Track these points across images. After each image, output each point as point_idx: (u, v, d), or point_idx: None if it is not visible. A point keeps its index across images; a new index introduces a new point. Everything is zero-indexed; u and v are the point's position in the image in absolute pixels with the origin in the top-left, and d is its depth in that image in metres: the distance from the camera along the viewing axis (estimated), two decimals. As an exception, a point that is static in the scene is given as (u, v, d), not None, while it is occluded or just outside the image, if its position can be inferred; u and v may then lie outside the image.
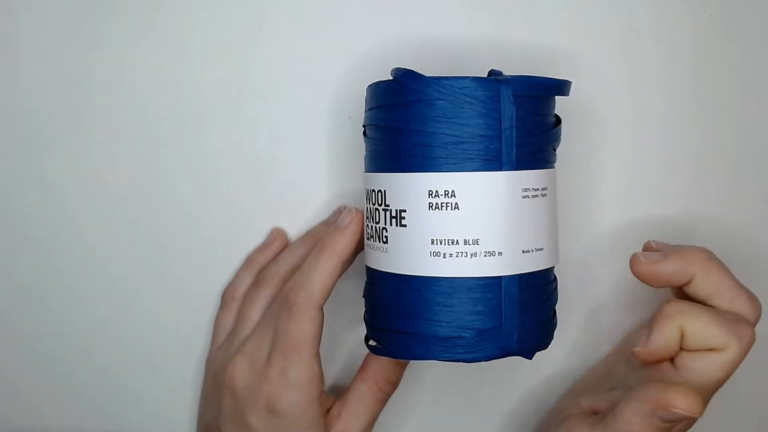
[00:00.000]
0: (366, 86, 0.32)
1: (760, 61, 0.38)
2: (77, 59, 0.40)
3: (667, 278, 0.31)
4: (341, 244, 0.34)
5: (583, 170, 0.38)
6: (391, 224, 0.31)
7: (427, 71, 0.30)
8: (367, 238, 0.33)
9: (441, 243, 0.30)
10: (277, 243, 0.39)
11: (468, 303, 0.29)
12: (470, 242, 0.29)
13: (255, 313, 0.37)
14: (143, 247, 0.41)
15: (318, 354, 0.34)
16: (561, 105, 0.33)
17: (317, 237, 0.38)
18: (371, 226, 0.32)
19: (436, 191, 0.29)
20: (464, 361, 0.30)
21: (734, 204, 0.39)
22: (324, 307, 0.34)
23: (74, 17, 0.39)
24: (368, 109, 0.32)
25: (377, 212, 0.31)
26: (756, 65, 0.38)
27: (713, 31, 0.38)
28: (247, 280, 0.39)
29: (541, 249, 0.30)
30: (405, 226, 0.30)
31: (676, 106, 0.38)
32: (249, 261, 0.40)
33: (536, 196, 0.30)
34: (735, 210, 0.39)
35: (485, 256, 0.29)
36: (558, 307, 0.33)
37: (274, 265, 0.38)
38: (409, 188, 0.30)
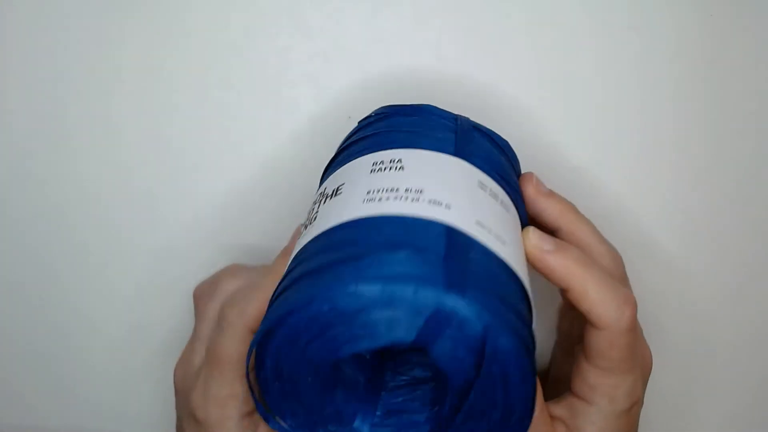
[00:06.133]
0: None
1: (760, 61, 0.38)
2: (77, 59, 0.40)
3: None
4: (283, 265, 0.29)
5: (583, 170, 0.38)
6: (324, 203, 0.26)
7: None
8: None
9: (377, 191, 0.24)
10: None
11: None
12: (413, 191, 0.24)
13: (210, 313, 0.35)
14: (143, 247, 0.41)
15: (245, 375, 0.29)
16: (562, 105, 0.33)
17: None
18: (305, 225, 0.27)
19: (381, 161, 0.26)
20: None
21: (733, 204, 0.39)
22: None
23: (74, 17, 0.39)
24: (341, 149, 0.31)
25: (313, 207, 0.27)
26: (756, 65, 0.38)
27: (713, 31, 0.38)
28: None
29: (504, 242, 0.25)
30: (340, 193, 0.26)
31: (675, 105, 0.38)
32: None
33: (495, 197, 0.26)
34: (734, 210, 0.39)
35: (430, 203, 0.24)
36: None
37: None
38: (351, 169, 0.27)
